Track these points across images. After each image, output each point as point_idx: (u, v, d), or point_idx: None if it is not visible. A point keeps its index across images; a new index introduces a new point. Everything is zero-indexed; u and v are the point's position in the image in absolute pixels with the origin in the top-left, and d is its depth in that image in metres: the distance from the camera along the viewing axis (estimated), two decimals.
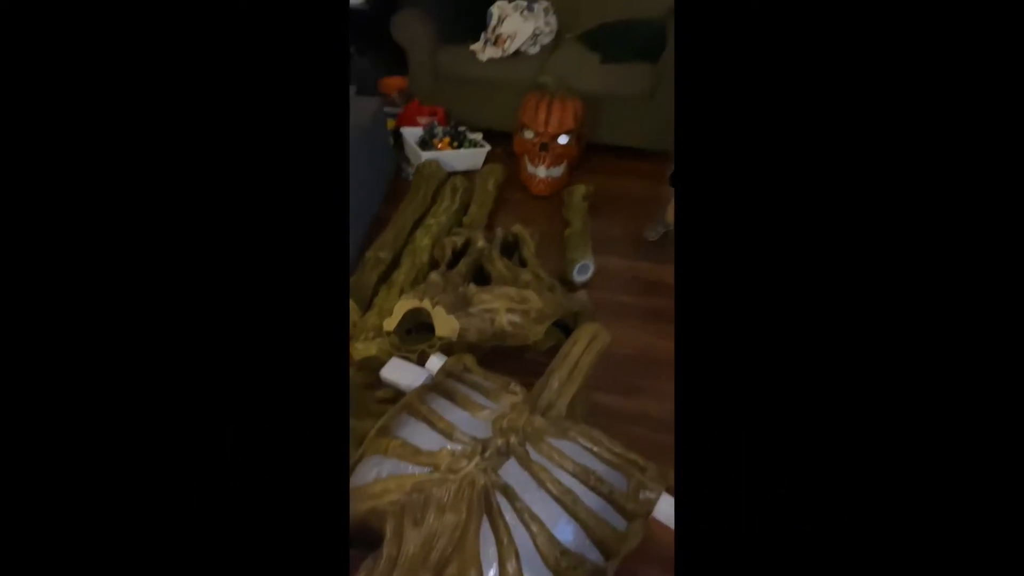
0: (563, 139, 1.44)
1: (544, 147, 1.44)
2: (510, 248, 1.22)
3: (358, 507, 0.62)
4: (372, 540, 0.62)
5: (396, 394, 0.98)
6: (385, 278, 1.16)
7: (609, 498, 0.65)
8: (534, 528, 0.59)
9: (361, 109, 1.37)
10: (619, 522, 0.65)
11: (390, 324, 0.97)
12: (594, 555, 0.62)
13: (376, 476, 0.65)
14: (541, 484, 0.63)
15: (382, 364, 0.99)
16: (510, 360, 1.01)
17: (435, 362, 0.93)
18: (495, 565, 0.56)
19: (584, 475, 0.66)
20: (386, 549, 0.58)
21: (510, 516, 0.60)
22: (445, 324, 0.94)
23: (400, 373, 0.97)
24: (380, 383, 0.99)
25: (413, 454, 0.65)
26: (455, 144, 1.58)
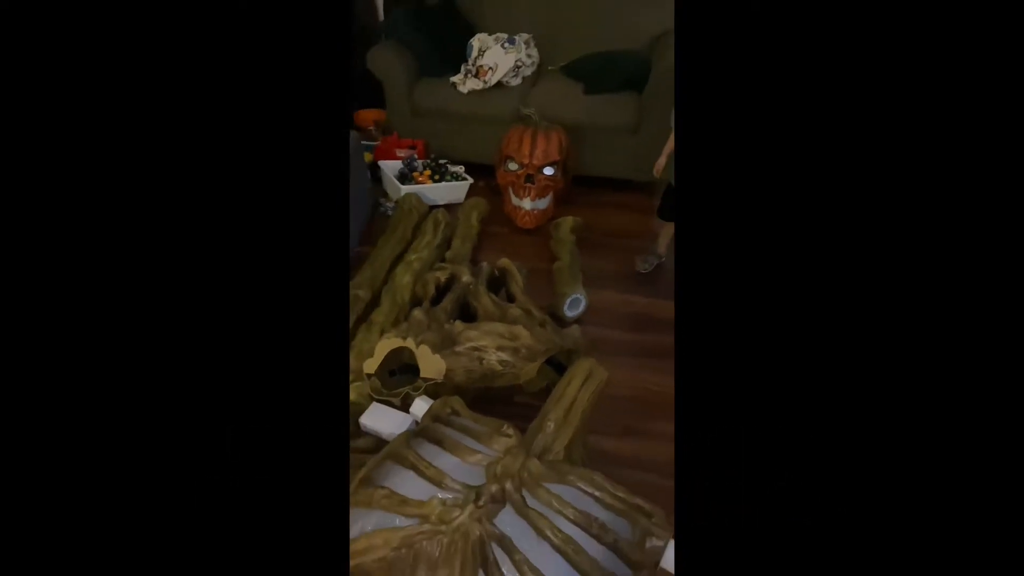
0: (548, 170, 1.44)
1: (530, 179, 1.43)
2: (496, 283, 1.19)
3: None
4: None
5: (377, 443, 0.92)
6: (364, 318, 1.12)
7: (613, 547, 0.61)
8: None
9: None
10: (624, 573, 0.60)
11: (371, 366, 0.91)
12: None
13: (360, 531, 0.59)
14: (540, 533, 0.58)
15: (362, 410, 0.93)
16: (499, 404, 0.97)
17: (420, 406, 0.88)
18: None
19: (586, 522, 0.61)
20: None
21: (507, 569, 0.55)
22: (431, 364, 0.89)
23: (381, 420, 0.92)
24: (360, 431, 0.94)
25: (400, 504, 0.60)
26: (436, 177, 1.57)
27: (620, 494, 0.66)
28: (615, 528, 0.62)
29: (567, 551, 0.58)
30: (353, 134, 1.41)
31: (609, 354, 1.08)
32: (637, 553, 0.61)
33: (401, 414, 0.92)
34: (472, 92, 1.62)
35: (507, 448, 0.68)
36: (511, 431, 0.72)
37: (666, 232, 1.32)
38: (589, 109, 1.58)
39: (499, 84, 1.64)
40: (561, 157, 1.46)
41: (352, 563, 0.56)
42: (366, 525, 0.60)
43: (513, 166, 1.46)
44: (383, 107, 1.72)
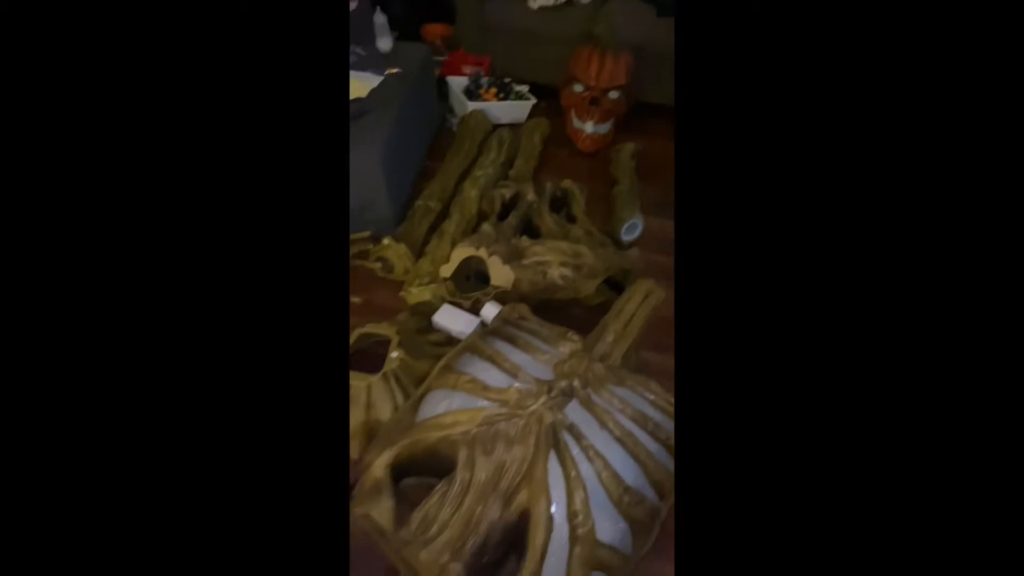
0: (613, 94, 1.42)
1: (595, 101, 1.42)
2: (558, 203, 1.22)
3: (429, 436, 0.66)
4: (440, 468, 0.66)
5: (448, 339, 1.01)
6: (435, 228, 1.18)
7: (665, 444, 0.69)
8: (599, 465, 0.62)
9: (409, 55, 1.36)
10: (673, 466, 0.68)
11: (447, 271, 0.99)
12: (651, 494, 0.65)
13: (447, 408, 0.68)
14: (603, 425, 0.66)
15: (434, 310, 1.02)
16: (557, 314, 1.03)
17: (491, 309, 0.96)
18: (563, 496, 0.60)
19: (642, 421, 0.69)
20: (459, 475, 0.62)
21: (576, 452, 0.63)
22: (501, 274, 0.96)
23: (452, 319, 1.00)
24: (431, 328, 1.03)
25: (482, 390, 0.68)
26: (501, 96, 1.57)
27: (671, 399, 0.73)
28: (667, 428, 0.70)
29: (627, 442, 0.66)
30: (424, 47, 1.41)
31: (660, 278, 1.12)
32: None
33: (469, 315, 1.00)
34: (542, 8, 1.57)
35: (572, 351, 0.75)
36: (576, 337, 0.79)
37: None
38: (659, 32, 1.51)
39: (569, 2, 1.58)
40: (627, 81, 1.43)
41: (440, 435, 0.66)
42: (452, 404, 0.69)
43: (578, 87, 1.44)
44: (450, 22, 1.69)
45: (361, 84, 1.22)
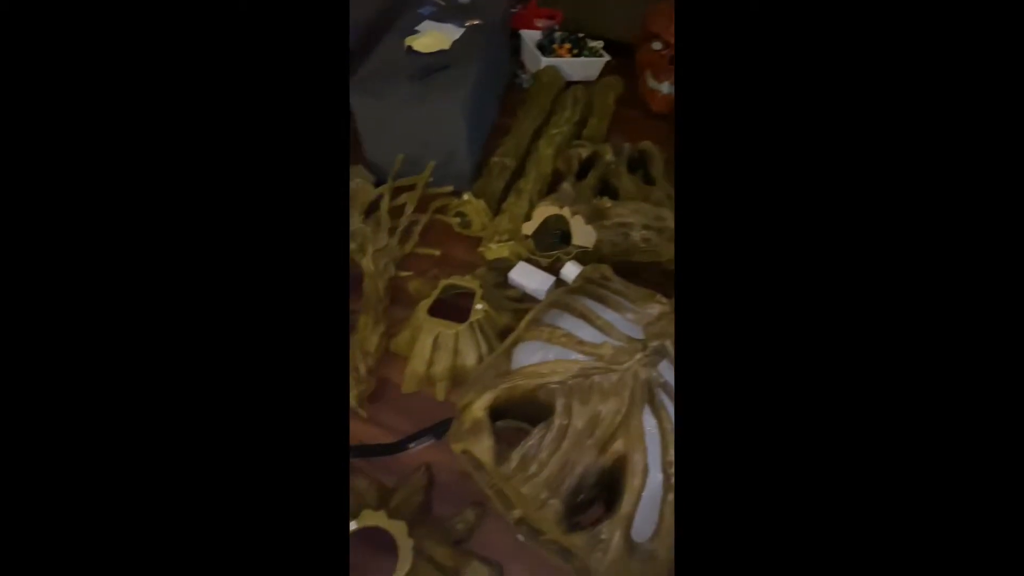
0: None
1: (674, 60, 1.38)
2: (634, 165, 1.22)
3: (527, 382, 0.70)
4: (534, 414, 0.70)
5: (522, 296, 1.04)
6: (511, 185, 1.20)
7: None
8: None
9: (487, 6, 1.34)
10: None
11: (529, 228, 1.01)
12: None
13: (542, 358, 0.72)
14: None
15: (510, 267, 1.05)
16: (633, 278, 1.05)
17: (571, 268, 0.98)
18: (658, 447, 0.63)
19: None
20: (557, 420, 0.66)
21: (671, 408, 0.66)
22: (583, 233, 0.97)
23: (527, 276, 1.03)
24: (506, 285, 1.06)
25: (577, 344, 0.71)
26: (575, 52, 1.54)
27: None
28: None
29: None
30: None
31: None
32: None
33: (545, 274, 1.03)
34: None
35: (661, 312, 0.77)
36: (663, 299, 0.81)
37: None
38: None
39: None
40: None
41: (538, 382, 0.70)
42: (547, 355, 0.73)
43: (657, 45, 1.40)
44: None
45: (443, 36, 1.22)
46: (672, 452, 0.63)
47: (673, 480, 0.62)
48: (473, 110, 1.15)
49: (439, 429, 0.88)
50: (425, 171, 1.18)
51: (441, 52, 1.17)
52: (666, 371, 0.69)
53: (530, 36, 1.55)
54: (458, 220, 1.14)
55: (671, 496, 0.62)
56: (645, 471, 0.62)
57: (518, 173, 1.22)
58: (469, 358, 0.90)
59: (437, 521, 0.79)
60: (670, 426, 0.64)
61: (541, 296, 1.02)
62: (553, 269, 1.04)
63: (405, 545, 0.68)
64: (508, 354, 0.78)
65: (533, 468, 0.64)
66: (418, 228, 1.15)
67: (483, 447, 0.67)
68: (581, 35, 1.58)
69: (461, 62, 1.15)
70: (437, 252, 1.13)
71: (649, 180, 1.17)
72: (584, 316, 0.76)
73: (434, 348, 0.90)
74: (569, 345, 0.72)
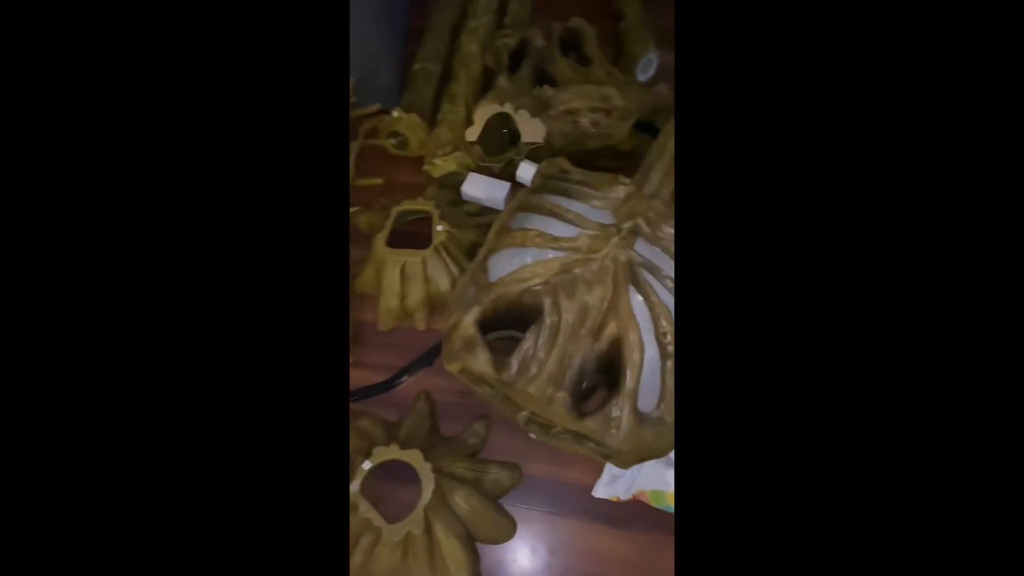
0: None
1: None
2: (566, 46, 1.14)
3: (510, 289, 0.69)
4: (523, 319, 0.70)
5: (482, 209, 1.01)
6: (441, 91, 1.11)
7: None
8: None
9: None
10: None
11: (473, 133, 0.95)
12: None
13: (520, 264, 0.70)
14: (673, 256, 0.70)
15: (462, 180, 1.00)
16: (587, 166, 1.02)
17: (527, 168, 0.95)
18: (649, 321, 0.65)
19: None
20: (548, 319, 0.66)
21: (654, 283, 0.67)
22: (531, 128, 0.93)
23: (481, 187, 0.99)
24: (462, 199, 1.02)
25: (552, 241, 0.70)
26: None
27: None
28: None
29: None
30: None
31: None
32: None
33: (499, 181, 0.99)
34: None
35: (628, 194, 0.76)
36: (626, 179, 0.80)
37: None
38: None
39: None
40: None
41: (521, 287, 0.69)
42: (524, 259, 0.71)
43: None
44: None
45: None
46: (664, 323, 0.64)
47: (670, 348, 0.64)
48: (384, 18, 1.04)
49: (430, 356, 0.88)
50: None
51: None
52: (643, 249, 0.69)
53: None
54: (393, 141, 1.06)
55: (670, 363, 0.64)
56: (641, 346, 0.63)
57: (446, 77, 1.13)
58: (442, 282, 0.87)
59: (449, 441, 0.81)
60: (657, 300, 0.65)
61: (499, 205, 0.99)
62: (506, 174, 1.00)
63: (424, 469, 0.69)
64: (484, 267, 0.76)
65: (534, 369, 0.65)
66: (352, 158, 1.07)
67: (480, 360, 0.67)
68: None
69: None
70: (379, 180, 1.06)
71: (585, 60, 1.11)
72: (553, 213, 0.74)
73: (403, 280, 0.87)
74: (544, 244, 0.70)
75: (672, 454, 0.69)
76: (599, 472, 0.77)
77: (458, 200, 1.02)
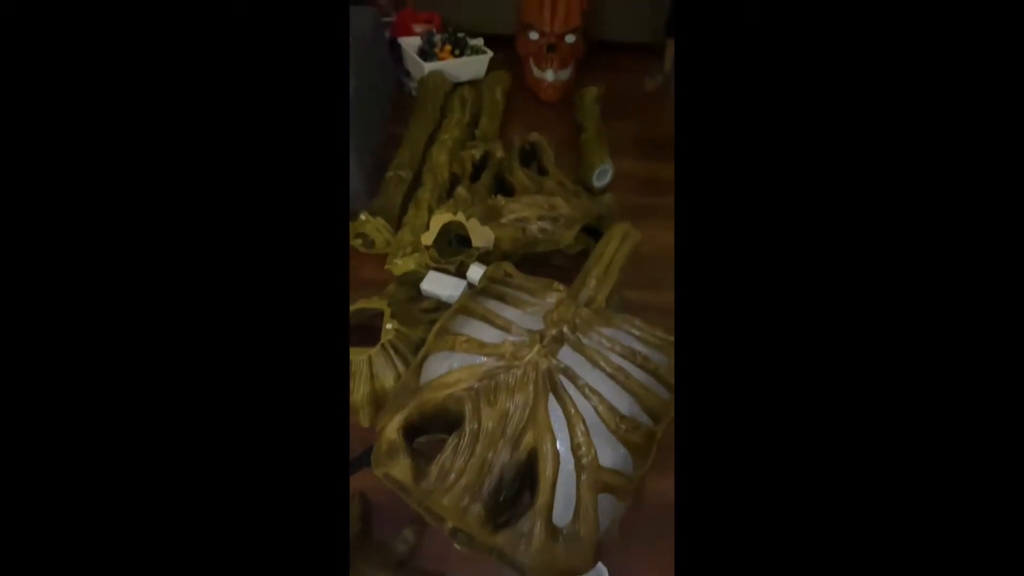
0: (570, 38, 1.41)
1: (552, 48, 1.40)
2: (527, 157, 1.24)
3: (436, 395, 0.70)
4: (449, 424, 0.71)
5: (438, 304, 1.05)
6: (410, 196, 1.19)
7: (655, 374, 0.74)
8: (595, 400, 0.68)
9: (356, 21, 1.32)
10: (664, 393, 0.74)
11: (428, 238, 1.01)
12: (646, 419, 0.71)
13: (448, 368, 0.72)
14: (596, 364, 0.71)
15: (421, 278, 1.05)
16: (540, 267, 1.07)
17: (476, 270, 0.99)
18: (566, 431, 0.65)
19: (631, 355, 0.74)
20: (468, 426, 0.67)
21: (573, 392, 0.68)
22: (481, 235, 0.98)
23: (439, 285, 1.04)
24: (421, 296, 1.06)
25: (479, 347, 0.72)
26: (456, 52, 1.54)
27: (657, 332, 0.78)
28: (655, 359, 0.75)
29: (618, 376, 0.71)
30: (370, 11, 1.37)
31: (637, 217, 1.16)
32: (672, 377, 0.74)
33: (456, 279, 1.03)
34: None
35: (559, 300, 0.80)
36: (560, 287, 0.83)
37: (670, 48, 1.36)
38: None
39: None
40: (583, 22, 1.41)
41: (445, 393, 0.70)
42: (452, 364, 0.73)
43: (534, 35, 1.42)
44: None
45: None
46: (579, 435, 0.65)
47: (584, 461, 0.64)
48: (356, 129, 1.14)
49: (367, 455, 0.88)
50: None
51: None
52: (566, 356, 0.71)
53: (410, 43, 1.54)
54: (360, 241, 1.13)
55: (584, 476, 0.64)
56: (556, 458, 0.64)
57: (416, 184, 1.22)
58: (387, 380, 0.89)
59: (378, 545, 0.79)
60: (574, 410, 0.66)
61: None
62: (462, 273, 1.04)
63: None
64: (418, 370, 0.78)
65: (451, 478, 0.65)
66: None
67: (401, 467, 0.67)
68: (461, 35, 1.58)
69: None
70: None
71: (543, 171, 1.19)
72: (486, 318, 0.77)
73: (350, 376, 0.89)
74: (472, 349, 0.73)
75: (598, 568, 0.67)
76: None
77: (418, 297, 1.06)
